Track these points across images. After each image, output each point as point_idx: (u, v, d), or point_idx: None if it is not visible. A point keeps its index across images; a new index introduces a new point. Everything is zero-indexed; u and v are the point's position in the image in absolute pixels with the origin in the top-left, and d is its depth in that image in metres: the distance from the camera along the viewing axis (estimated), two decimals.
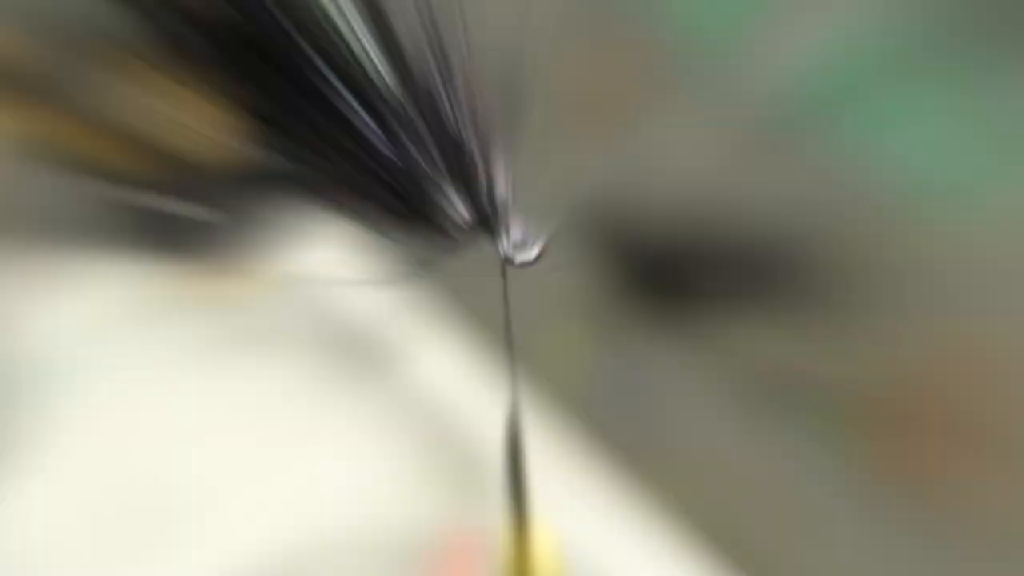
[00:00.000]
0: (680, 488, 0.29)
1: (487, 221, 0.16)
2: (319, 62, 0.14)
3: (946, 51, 0.21)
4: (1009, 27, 0.20)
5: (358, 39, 0.14)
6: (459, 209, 0.14)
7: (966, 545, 0.25)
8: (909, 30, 0.21)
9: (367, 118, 0.14)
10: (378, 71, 0.14)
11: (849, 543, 0.27)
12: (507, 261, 0.16)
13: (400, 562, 0.28)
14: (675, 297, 0.26)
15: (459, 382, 0.30)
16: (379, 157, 0.15)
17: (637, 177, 0.24)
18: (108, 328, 0.29)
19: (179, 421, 0.29)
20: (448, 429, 0.30)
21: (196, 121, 0.15)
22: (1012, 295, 0.22)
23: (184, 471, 0.27)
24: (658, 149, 0.24)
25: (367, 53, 0.14)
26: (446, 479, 0.29)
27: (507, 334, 0.15)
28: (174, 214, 0.16)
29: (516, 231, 0.15)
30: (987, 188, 0.22)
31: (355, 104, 0.14)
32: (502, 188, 0.16)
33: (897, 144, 0.23)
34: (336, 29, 0.13)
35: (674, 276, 0.25)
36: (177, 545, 0.26)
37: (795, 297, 0.24)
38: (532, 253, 0.16)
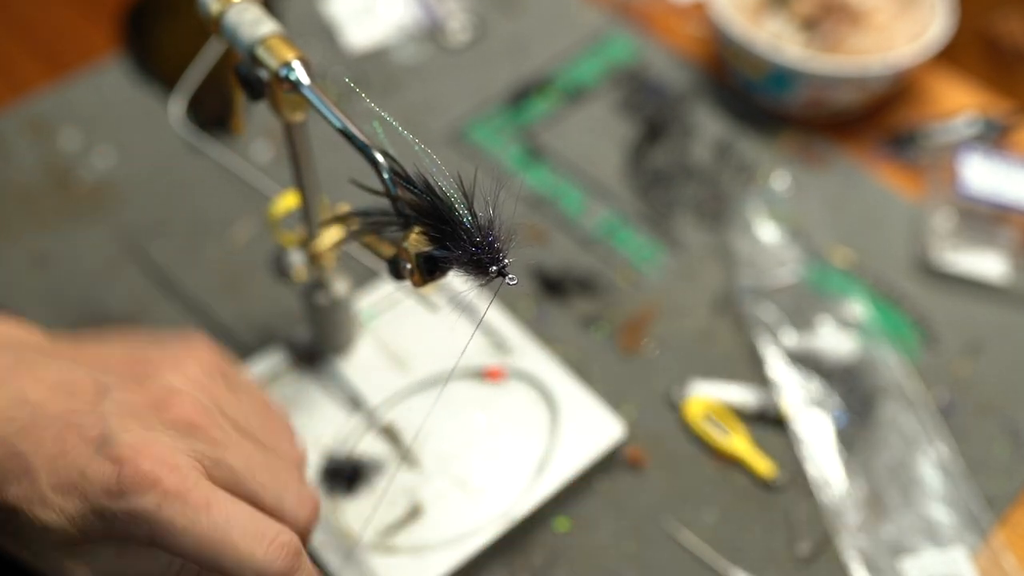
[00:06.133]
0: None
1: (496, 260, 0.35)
2: (444, 214, 0.35)
3: (642, 221, 0.79)
4: (658, 208, 0.80)
5: (455, 204, 0.35)
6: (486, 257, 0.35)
7: (637, 362, 0.71)
8: (631, 213, 0.79)
9: (461, 231, 0.35)
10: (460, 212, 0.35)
11: (603, 368, 0.71)
12: (503, 275, 0.35)
13: None
14: (555, 290, 0.75)
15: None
16: (463, 241, 0.35)
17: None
18: (389, 301, 0.70)
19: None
20: None
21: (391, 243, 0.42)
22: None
23: None
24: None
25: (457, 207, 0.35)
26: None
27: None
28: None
29: (507, 266, 0.35)
30: (653, 265, 0.78)
31: (457, 227, 0.35)
32: (502, 248, 0.35)
33: (626, 246, 0.78)
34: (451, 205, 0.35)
35: (556, 284, 0.75)
36: None
37: (594, 291, 0.75)
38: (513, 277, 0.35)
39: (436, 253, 0.37)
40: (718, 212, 0.81)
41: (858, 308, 0.73)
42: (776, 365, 0.70)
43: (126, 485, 0.34)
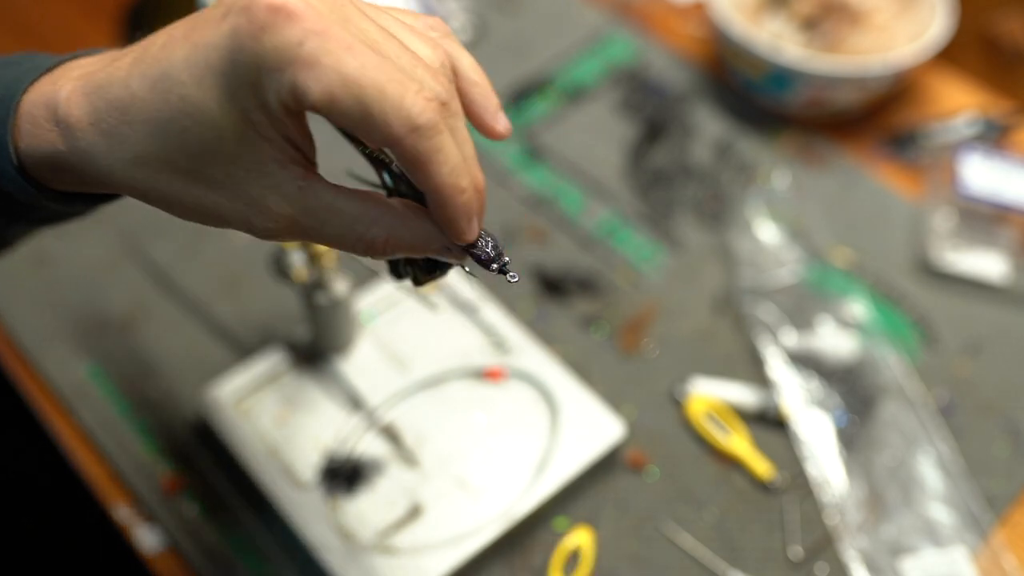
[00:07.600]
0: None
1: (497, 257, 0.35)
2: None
3: (642, 221, 0.80)
4: (653, 208, 0.80)
5: None
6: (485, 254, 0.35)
7: (637, 362, 0.71)
8: (631, 213, 0.80)
9: None
10: None
11: (603, 368, 0.71)
12: (503, 272, 0.36)
13: None
14: (555, 290, 0.75)
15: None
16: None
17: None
18: (389, 301, 0.72)
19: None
20: None
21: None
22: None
23: None
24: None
25: None
26: None
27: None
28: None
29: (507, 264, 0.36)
30: (653, 265, 0.78)
31: None
32: (502, 245, 0.35)
33: (626, 246, 0.78)
34: None
35: (556, 284, 0.75)
36: None
37: (594, 291, 0.75)
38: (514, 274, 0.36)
39: None
40: (718, 212, 0.81)
41: (858, 308, 0.73)
42: (776, 365, 0.70)
43: (264, 21, 0.31)
